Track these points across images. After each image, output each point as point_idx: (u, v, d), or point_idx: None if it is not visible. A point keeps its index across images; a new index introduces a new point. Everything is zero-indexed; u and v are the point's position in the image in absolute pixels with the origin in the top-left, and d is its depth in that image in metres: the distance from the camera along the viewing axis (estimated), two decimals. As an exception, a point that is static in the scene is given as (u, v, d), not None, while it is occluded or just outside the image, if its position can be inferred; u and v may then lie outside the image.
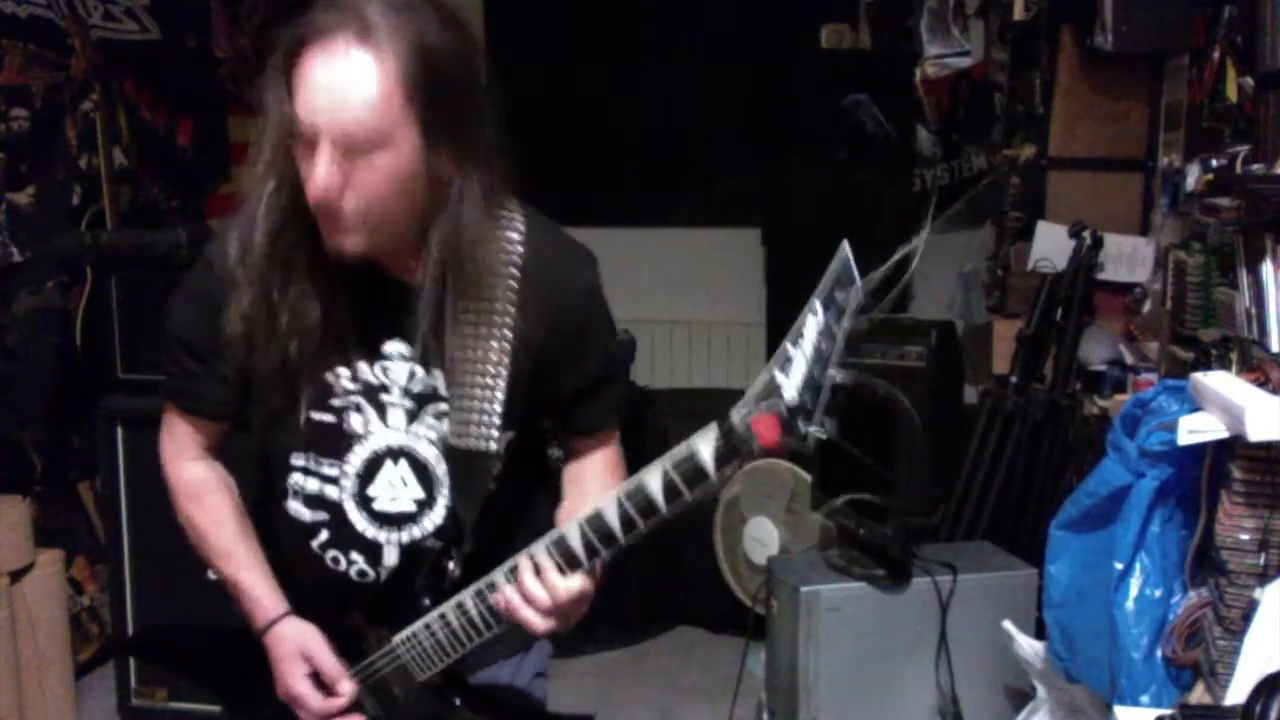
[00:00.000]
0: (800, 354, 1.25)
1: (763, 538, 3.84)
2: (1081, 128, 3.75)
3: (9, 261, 3.61)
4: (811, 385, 1.25)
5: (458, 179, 1.47)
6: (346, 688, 1.62)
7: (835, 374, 1.25)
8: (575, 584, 1.45)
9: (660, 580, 4.25)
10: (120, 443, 3.31)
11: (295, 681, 1.62)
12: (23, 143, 3.68)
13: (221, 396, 1.66)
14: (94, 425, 3.44)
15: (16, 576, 3.26)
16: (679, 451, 1.34)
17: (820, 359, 1.24)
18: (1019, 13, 4.19)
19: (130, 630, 3.38)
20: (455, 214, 1.47)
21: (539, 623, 1.47)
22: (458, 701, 1.63)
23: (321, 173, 1.41)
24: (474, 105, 1.47)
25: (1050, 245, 3.69)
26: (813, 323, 1.25)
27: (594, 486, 1.66)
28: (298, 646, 1.63)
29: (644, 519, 1.37)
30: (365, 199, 1.44)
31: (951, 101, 5.54)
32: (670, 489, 1.34)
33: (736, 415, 1.30)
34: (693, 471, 1.33)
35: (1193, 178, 2.95)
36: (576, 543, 1.43)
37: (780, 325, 1.23)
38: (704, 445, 1.32)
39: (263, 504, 1.72)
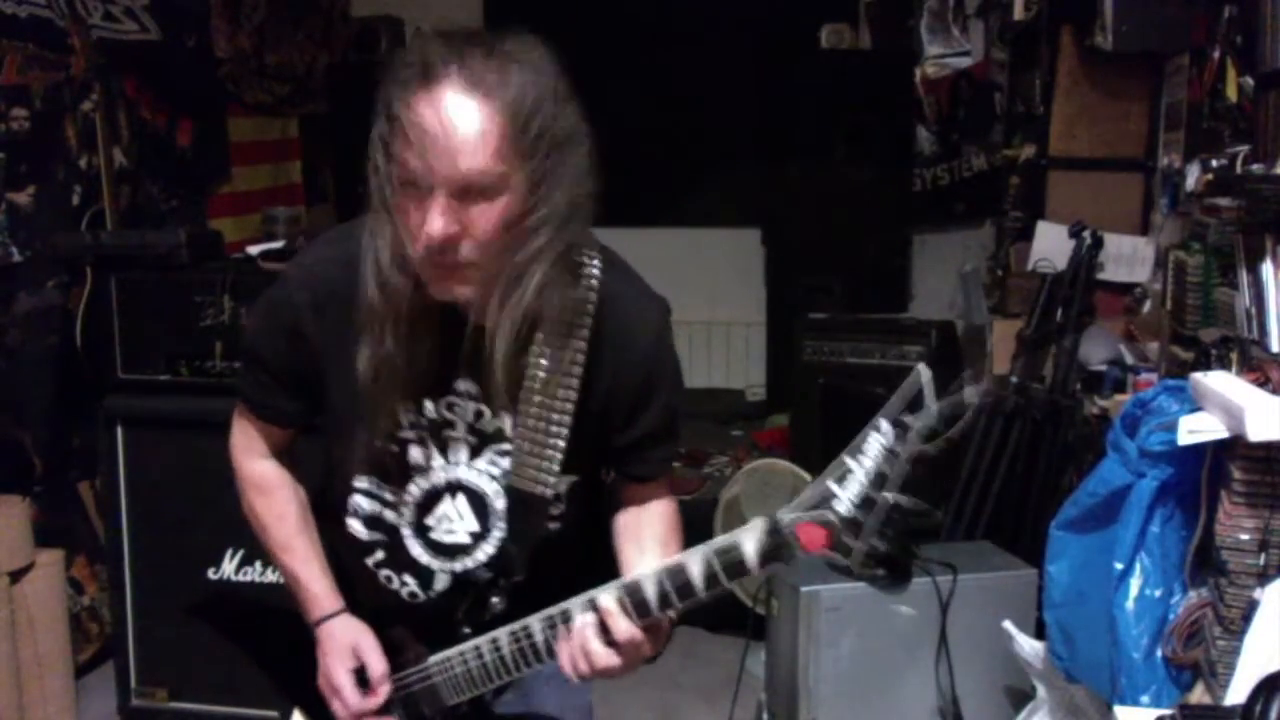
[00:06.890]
0: (860, 469, 1.28)
1: (763, 538, 3.83)
2: (1081, 128, 3.75)
3: (9, 261, 3.60)
4: (866, 503, 1.28)
5: (550, 225, 1.47)
6: (385, 690, 1.63)
7: (892, 497, 1.27)
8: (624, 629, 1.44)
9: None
10: (120, 442, 3.29)
11: (339, 674, 1.64)
12: (23, 143, 3.66)
13: (291, 409, 1.69)
14: (94, 425, 3.44)
15: (16, 576, 3.25)
16: (724, 542, 1.38)
17: (879, 480, 1.27)
18: (1019, 13, 4.19)
19: (130, 630, 3.37)
20: (540, 259, 1.46)
21: (579, 663, 1.47)
22: None
23: (438, 220, 1.40)
24: (571, 148, 1.48)
25: (1050, 245, 3.68)
26: (875, 441, 1.27)
27: (651, 542, 1.67)
28: (350, 641, 1.65)
29: (681, 599, 1.41)
30: (478, 245, 1.43)
31: (951, 101, 5.54)
32: (710, 577, 1.38)
33: (785, 517, 1.34)
34: (735, 564, 1.37)
35: (1193, 178, 2.95)
36: (612, 605, 1.44)
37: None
38: (749, 541, 1.36)
39: (324, 515, 1.74)
